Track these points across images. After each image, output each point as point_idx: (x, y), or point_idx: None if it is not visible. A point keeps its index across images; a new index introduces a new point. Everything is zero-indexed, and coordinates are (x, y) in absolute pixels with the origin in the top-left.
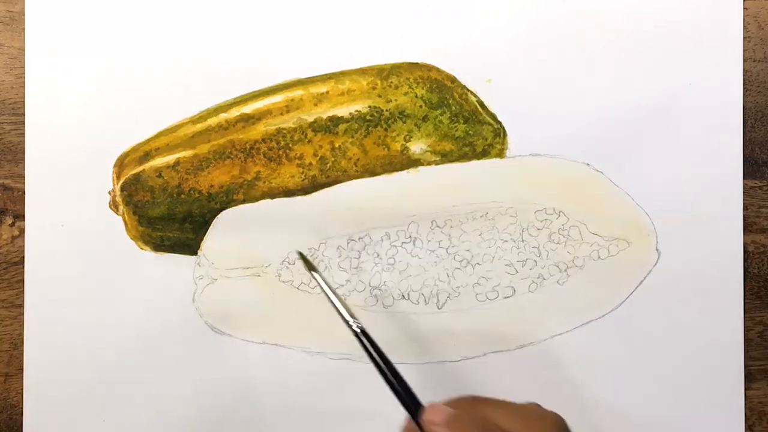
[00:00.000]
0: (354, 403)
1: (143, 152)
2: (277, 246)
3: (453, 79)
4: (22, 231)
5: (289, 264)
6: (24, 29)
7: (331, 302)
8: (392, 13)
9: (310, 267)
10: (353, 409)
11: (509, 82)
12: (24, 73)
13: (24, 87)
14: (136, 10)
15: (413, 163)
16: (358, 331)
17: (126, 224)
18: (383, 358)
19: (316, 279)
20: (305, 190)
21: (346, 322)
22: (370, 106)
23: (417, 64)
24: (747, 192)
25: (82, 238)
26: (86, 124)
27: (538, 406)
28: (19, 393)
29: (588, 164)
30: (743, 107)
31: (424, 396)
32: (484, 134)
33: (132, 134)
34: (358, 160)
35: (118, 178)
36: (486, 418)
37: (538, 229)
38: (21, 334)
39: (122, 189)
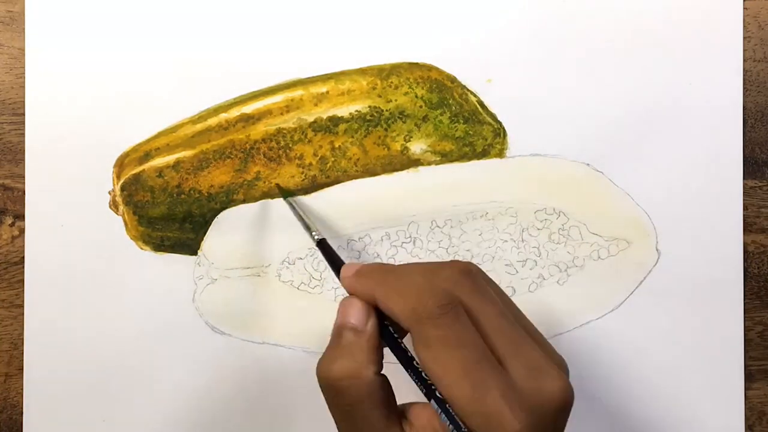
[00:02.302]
0: None
1: (143, 152)
2: (277, 246)
3: (453, 79)
4: (22, 231)
5: (289, 264)
6: (24, 29)
7: (300, 220)
8: (392, 13)
9: (285, 194)
10: None
11: (509, 82)
12: (24, 73)
13: (24, 87)
14: (136, 10)
15: (413, 163)
16: (318, 239)
17: (126, 224)
18: (336, 264)
19: (288, 202)
20: (305, 190)
21: (310, 234)
22: (370, 106)
23: (417, 64)
24: (747, 192)
25: (82, 238)
26: (86, 124)
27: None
28: (19, 393)
29: (588, 164)
30: (743, 107)
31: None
32: (484, 134)
33: (132, 134)
34: (358, 160)
35: (118, 178)
36: (393, 266)
37: (538, 229)
38: (21, 334)
39: (122, 189)
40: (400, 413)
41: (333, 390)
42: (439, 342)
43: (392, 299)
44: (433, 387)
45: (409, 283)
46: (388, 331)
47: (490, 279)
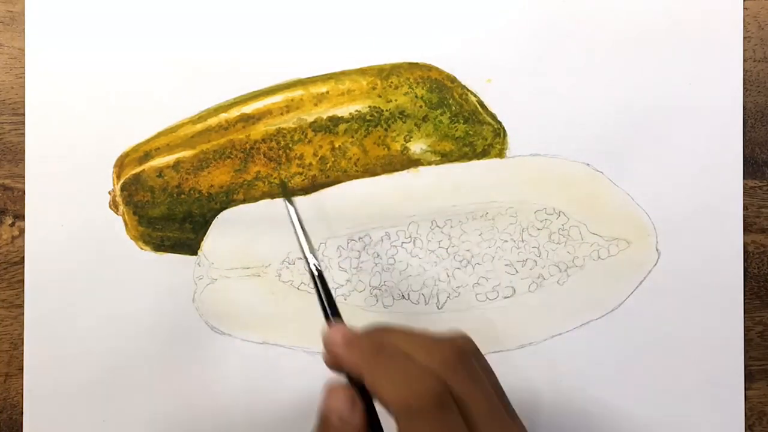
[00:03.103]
0: None
1: (143, 152)
2: (277, 246)
3: (453, 79)
4: (22, 231)
5: (289, 264)
6: (24, 29)
7: (297, 237)
8: (392, 13)
9: (288, 196)
10: None
11: (509, 82)
12: (24, 73)
13: (24, 87)
14: (137, 10)
15: (413, 163)
16: (315, 271)
17: (126, 224)
18: (331, 302)
19: (288, 210)
20: (305, 190)
21: (306, 259)
22: (370, 106)
23: (417, 64)
24: (747, 192)
25: (82, 238)
26: (86, 124)
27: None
28: (19, 393)
29: (588, 164)
30: (743, 107)
31: None
32: (484, 134)
33: (132, 134)
34: (358, 160)
35: (118, 178)
36: (384, 340)
37: (538, 229)
38: (21, 334)
39: (122, 189)
40: None
41: None
42: None
43: (382, 386)
44: None
45: (400, 368)
46: (377, 421)
47: (482, 356)
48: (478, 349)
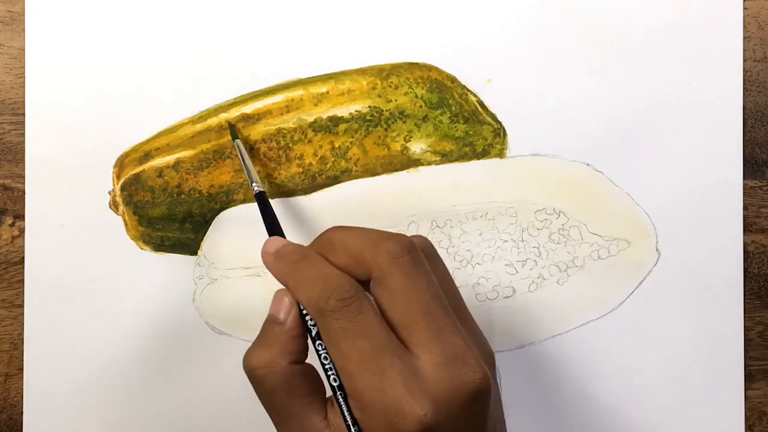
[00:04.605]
0: None
1: (143, 152)
2: None
3: (453, 79)
4: (22, 231)
5: None
6: (24, 29)
7: (244, 165)
8: (392, 13)
9: (234, 136)
10: None
11: (509, 82)
12: (24, 73)
13: (24, 87)
14: (137, 10)
15: (413, 163)
16: (257, 191)
17: (126, 224)
18: (273, 222)
19: (238, 147)
20: (305, 190)
21: (251, 184)
22: (370, 106)
23: (417, 64)
24: (747, 192)
25: (82, 238)
26: (86, 124)
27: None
28: (19, 393)
29: (588, 164)
30: (743, 107)
31: None
32: (484, 134)
33: (132, 134)
34: (358, 160)
35: (118, 178)
36: (314, 247)
37: (538, 229)
38: (21, 334)
39: (122, 189)
40: (326, 402)
41: (253, 379)
42: (340, 334)
43: (298, 290)
44: (334, 380)
45: (316, 273)
46: (306, 324)
47: (437, 256)
48: (433, 249)
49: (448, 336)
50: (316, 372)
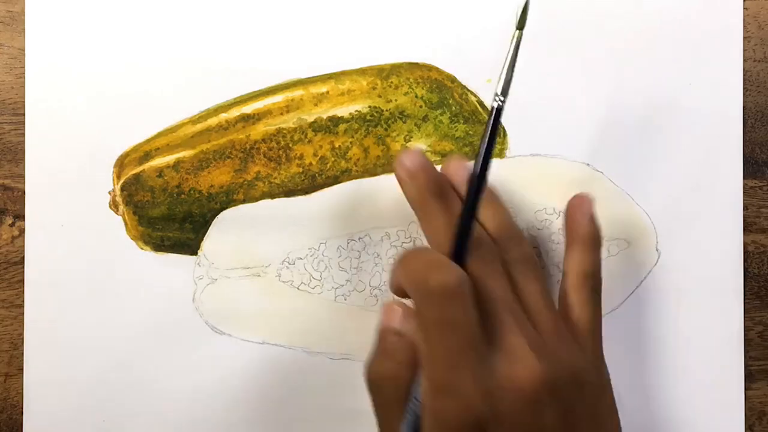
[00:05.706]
0: (354, 403)
1: (143, 152)
2: (277, 246)
3: (453, 79)
4: (22, 231)
5: (289, 264)
6: (24, 29)
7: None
8: (392, 13)
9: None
10: (353, 409)
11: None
12: (24, 73)
13: (24, 87)
14: (137, 10)
15: None
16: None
17: (126, 224)
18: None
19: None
20: (305, 190)
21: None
22: (370, 106)
23: (417, 64)
24: (747, 192)
25: (82, 238)
26: (86, 124)
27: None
28: (19, 393)
29: (588, 164)
30: (743, 107)
31: None
32: None
33: (132, 134)
34: (358, 160)
35: (118, 178)
36: (446, 182)
37: (538, 229)
38: (21, 334)
39: (122, 189)
40: None
41: (376, 389)
42: (432, 323)
43: (402, 276)
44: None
45: (422, 259)
46: None
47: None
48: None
49: (519, 331)
50: None
